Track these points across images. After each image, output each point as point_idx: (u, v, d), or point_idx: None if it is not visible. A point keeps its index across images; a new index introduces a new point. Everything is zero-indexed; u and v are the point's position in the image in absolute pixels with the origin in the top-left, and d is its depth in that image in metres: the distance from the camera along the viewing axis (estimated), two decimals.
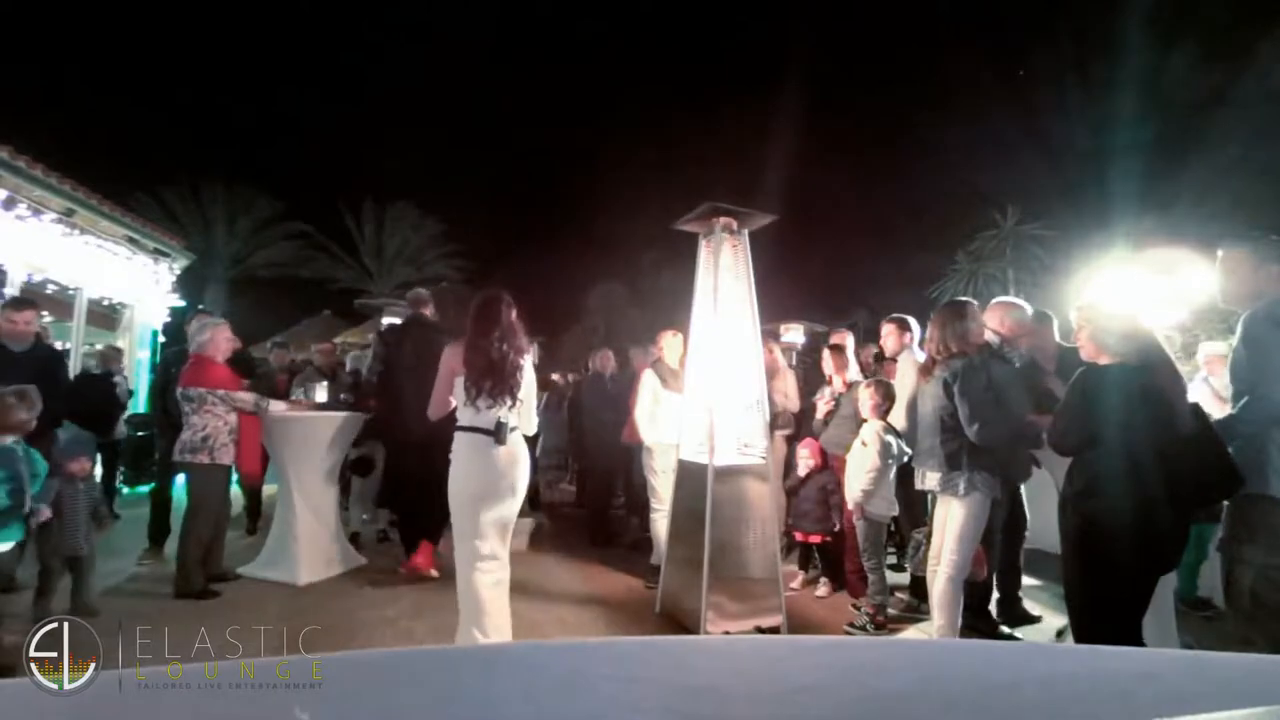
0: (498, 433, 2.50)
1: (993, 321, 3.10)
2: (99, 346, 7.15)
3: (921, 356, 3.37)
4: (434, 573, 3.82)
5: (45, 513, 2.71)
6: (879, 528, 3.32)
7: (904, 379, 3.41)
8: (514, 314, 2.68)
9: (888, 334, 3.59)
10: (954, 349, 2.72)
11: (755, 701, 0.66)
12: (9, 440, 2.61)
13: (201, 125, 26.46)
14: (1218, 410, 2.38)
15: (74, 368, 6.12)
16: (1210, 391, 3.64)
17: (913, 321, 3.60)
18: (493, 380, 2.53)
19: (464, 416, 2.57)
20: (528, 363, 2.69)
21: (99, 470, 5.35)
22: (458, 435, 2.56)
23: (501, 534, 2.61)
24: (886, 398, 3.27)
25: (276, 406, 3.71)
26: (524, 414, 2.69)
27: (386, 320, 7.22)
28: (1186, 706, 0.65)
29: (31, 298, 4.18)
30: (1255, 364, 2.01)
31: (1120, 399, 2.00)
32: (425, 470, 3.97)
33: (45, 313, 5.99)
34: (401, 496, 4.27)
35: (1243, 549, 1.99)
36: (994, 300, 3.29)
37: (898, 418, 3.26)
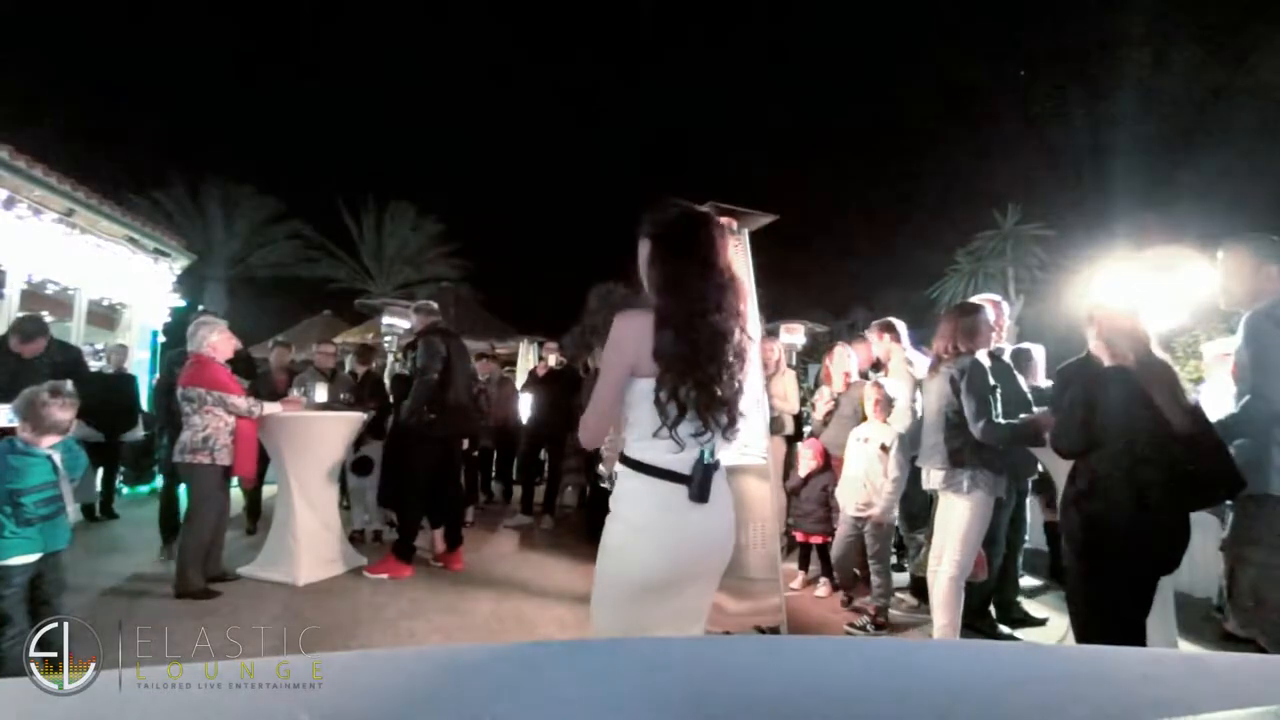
0: (700, 481, 1.34)
1: None
2: (99, 346, 7.15)
3: (914, 355, 3.38)
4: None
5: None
6: (890, 530, 3.32)
7: (895, 377, 3.44)
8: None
9: (875, 338, 3.67)
10: (962, 348, 2.74)
11: (755, 701, 0.66)
12: (45, 447, 2.33)
13: (200, 125, 26.48)
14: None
15: None
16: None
17: (898, 323, 3.65)
18: (706, 385, 1.32)
19: (640, 447, 1.36)
20: (754, 344, 1.57)
21: (98, 470, 5.38)
22: (628, 478, 1.39)
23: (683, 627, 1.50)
24: (889, 397, 3.28)
25: (271, 408, 3.70)
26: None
27: (388, 320, 7.20)
28: (1186, 706, 0.65)
29: (38, 320, 4.13)
30: (1256, 364, 2.02)
31: (1121, 400, 2.00)
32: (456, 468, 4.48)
33: (46, 313, 5.98)
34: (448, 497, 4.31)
35: (1245, 549, 1.99)
36: (980, 296, 3.31)
37: (899, 419, 3.27)
